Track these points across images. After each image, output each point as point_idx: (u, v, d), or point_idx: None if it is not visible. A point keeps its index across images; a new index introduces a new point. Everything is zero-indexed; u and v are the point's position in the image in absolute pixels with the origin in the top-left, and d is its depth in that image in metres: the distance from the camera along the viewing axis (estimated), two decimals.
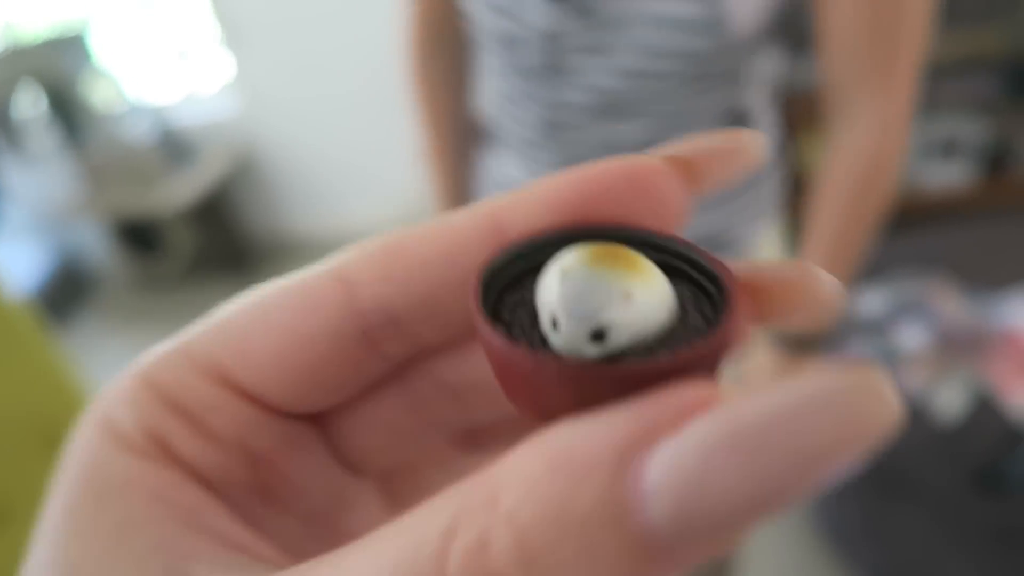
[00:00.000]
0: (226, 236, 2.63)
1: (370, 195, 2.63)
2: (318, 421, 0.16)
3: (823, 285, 0.13)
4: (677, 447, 0.08)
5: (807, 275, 0.13)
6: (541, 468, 0.09)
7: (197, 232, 2.57)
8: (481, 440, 0.19)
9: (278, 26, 2.37)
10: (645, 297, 0.11)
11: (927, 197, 2.03)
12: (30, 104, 2.51)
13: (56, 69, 2.44)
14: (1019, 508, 0.96)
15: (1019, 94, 1.96)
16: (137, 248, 2.66)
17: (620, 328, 0.11)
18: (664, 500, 0.08)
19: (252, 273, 2.67)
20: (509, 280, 0.13)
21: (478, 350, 0.15)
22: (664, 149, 0.14)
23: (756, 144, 0.14)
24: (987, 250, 1.41)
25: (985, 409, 1.08)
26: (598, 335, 0.11)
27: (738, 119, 0.72)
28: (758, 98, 0.74)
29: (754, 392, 0.09)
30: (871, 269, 1.40)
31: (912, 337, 1.20)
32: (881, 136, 0.67)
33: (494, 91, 0.75)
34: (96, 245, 2.75)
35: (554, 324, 0.11)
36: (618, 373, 0.10)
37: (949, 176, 2.01)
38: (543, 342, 0.11)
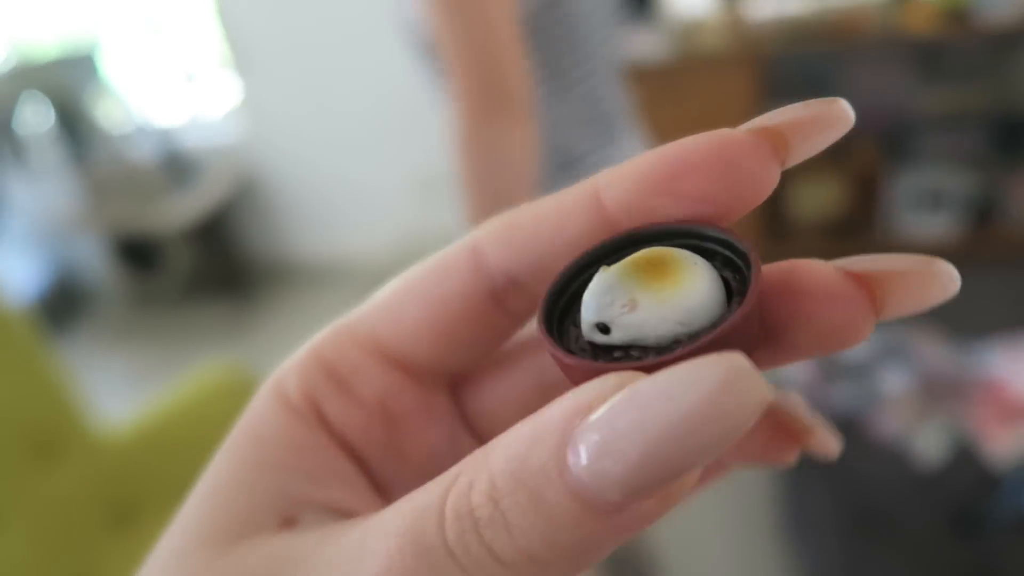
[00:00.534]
0: (225, 257, 2.65)
1: (371, 222, 2.66)
2: (454, 391, 0.19)
3: (942, 273, 0.13)
4: (596, 415, 0.11)
5: (926, 264, 0.13)
6: (520, 432, 0.12)
7: (196, 252, 2.59)
8: None
9: (286, 52, 2.41)
10: (654, 305, 0.13)
11: (913, 247, 2.06)
12: (37, 119, 2.54)
13: (64, 86, 2.47)
14: (995, 550, 0.98)
15: (1005, 149, 2.00)
16: (136, 265, 2.67)
17: (621, 327, 0.13)
18: (588, 461, 0.10)
19: (249, 295, 2.68)
20: (580, 280, 0.15)
21: None
22: (755, 121, 0.14)
23: (844, 112, 0.14)
24: (970, 300, 1.44)
25: (964, 454, 1.11)
26: (603, 329, 0.13)
27: None
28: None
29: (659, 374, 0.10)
30: None
31: (895, 382, 1.23)
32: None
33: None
34: (95, 260, 2.76)
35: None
36: (591, 367, 0.13)
37: (935, 227, 2.05)
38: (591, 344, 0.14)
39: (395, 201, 2.59)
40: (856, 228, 2.13)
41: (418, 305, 0.17)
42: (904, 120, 2.00)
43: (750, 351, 0.12)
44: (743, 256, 0.14)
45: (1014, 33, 1.81)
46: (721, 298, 0.13)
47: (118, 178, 2.49)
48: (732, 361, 0.10)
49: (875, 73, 1.98)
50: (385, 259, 2.42)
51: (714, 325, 0.13)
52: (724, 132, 0.13)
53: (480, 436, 0.19)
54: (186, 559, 0.15)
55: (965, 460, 1.10)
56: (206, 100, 2.65)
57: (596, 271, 0.14)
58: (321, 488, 0.16)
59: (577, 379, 0.12)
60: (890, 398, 1.21)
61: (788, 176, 0.16)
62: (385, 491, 0.18)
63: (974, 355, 1.27)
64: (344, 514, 0.16)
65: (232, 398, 1.16)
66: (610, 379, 0.11)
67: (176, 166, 2.51)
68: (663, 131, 1.76)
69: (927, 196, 2.02)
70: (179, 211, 2.40)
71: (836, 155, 2.04)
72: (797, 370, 1.32)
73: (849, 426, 1.19)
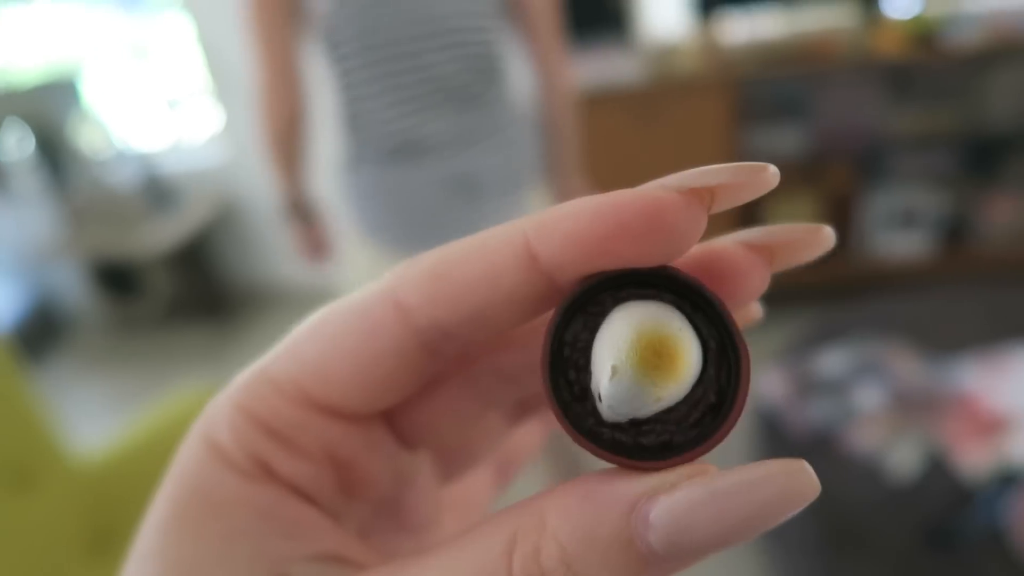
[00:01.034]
0: (204, 283, 2.64)
1: (350, 248, 2.66)
2: (385, 415, 0.19)
3: (825, 236, 0.17)
4: (673, 498, 0.12)
5: (813, 231, 0.16)
6: (576, 501, 0.13)
7: (176, 277, 2.58)
8: (531, 408, 0.22)
9: None
10: (673, 395, 0.14)
11: (886, 265, 2.10)
12: (16, 145, 2.54)
13: (45, 112, 2.47)
14: (968, 564, 0.99)
15: (975, 169, 2.04)
16: (115, 291, 2.66)
17: (647, 418, 0.14)
18: (660, 532, 0.12)
19: (229, 320, 2.67)
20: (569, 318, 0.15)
21: (528, 341, 0.19)
22: (684, 177, 0.14)
23: (771, 179, 0.14)
24: (942, 317, 1.46)
25: (938, 468, 1.12)
26: (633, 424, 0.14)
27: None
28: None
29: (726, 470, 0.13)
30: (832, 332, 1.45)
31: (869, 397, 1.25)
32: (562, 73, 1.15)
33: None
34: (74, 286, 2.75)
35: (599, 397, 0.14)
36: (623, 463, 0.14)
37: (908, 245, 2.08)
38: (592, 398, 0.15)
39: None
40: (831, 248, 2.15)
41: (346, 363, 0.16)
42: (876, 141, 2.03)
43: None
44: (700, 295, 0.15)
45: (981, 56, 1.86)
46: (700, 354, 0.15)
47: (98, 203, 2.48)
48: (795, 466, 0.12)
49: (847, 95, 2.02)
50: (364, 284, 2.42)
51: (720, 404, 0.15)
52: (656, 193, 0.13)
53: (410, 443, 0.19)
54: None
55: (939, 474, 1.12)
56: (187, 126, 2.66)
57: (578, 321, 0.15)
58: (300, 541, 0.16)
59: (605, 457, 0.14)
60: (864, 414, 1.22)
61: (763, 197, 0.17)
62: (341, 526, 0.18)
63: (947, 370, 1.29)
64: (332, 559, 0.16)
65: None
66: (683, 470, 0.13)
67: (156, 191, 2.51)
68: (639, 153, 1.78)
69: (900, 215, 2.06)
70: (159, 236, 2.39)
71: (811, 176, 2.08)
72: (773, 387, 1.33)
73: (824, 442, 1.20)
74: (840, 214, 2.11)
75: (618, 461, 0.14)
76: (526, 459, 0.25)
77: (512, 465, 0.25)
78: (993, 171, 2.03)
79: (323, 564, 0.16)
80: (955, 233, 2.09)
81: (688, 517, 0.12)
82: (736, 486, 0.12)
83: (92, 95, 2.60)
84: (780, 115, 2.08)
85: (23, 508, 1.00)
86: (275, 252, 2.74)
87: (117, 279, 2.64)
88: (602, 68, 1.98)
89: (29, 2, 2.52)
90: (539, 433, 0.25)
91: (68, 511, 1.05)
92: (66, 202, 2.51)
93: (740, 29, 1.96)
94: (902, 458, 1.14)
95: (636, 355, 0.14)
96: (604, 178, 2.07)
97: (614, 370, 0.14)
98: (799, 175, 2.05)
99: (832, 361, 1.34)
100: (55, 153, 2.51)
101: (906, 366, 1.30)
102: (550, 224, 0.14)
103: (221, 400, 0.17)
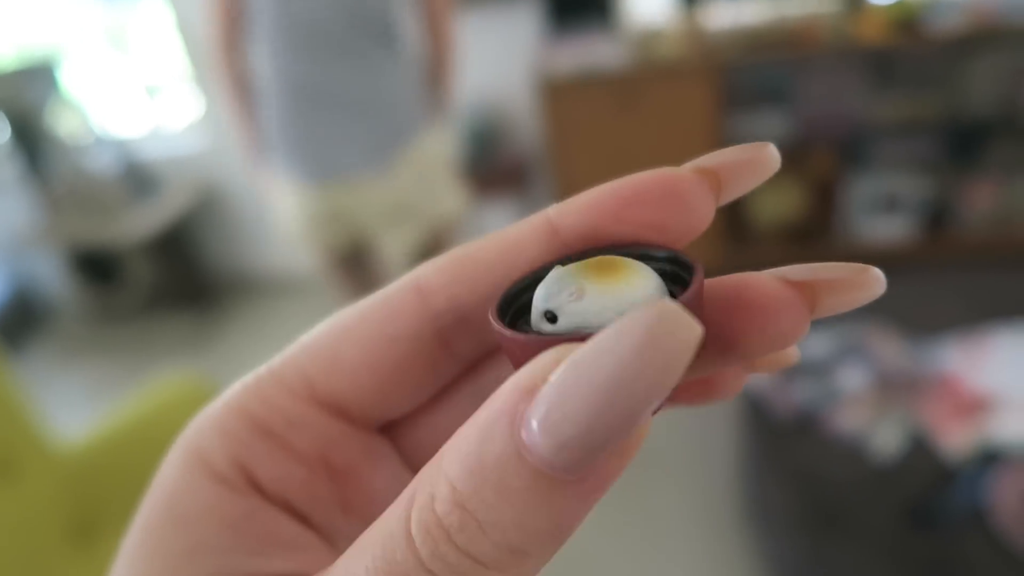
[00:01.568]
0: (185, 270, 2.62)
1: None
2: (392, 435, 0.18)
3: (869, 280, 0.14)
4: (543, 393, 0.11)
5: (860, 271, 0.14)
6: (468, 431, 0.11)
7: (156, 265, 2.55)
8: None
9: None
10: (600, 295, 0.13)
11: (869, 249, 2.11)
12: None
13: (23, 98, 2.43)
14: (950, 542, 1.00)
15: (957, 155, 2.06)
16: (95, 279, 2.63)
17: (567, 315, 0.13)
18: (543, 434, 0.10)
19: (209, 308, 2.65)
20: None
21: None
22: (696, 161, 0.15)
23: (773, 156, 0.16)
24: (924, 300, 1.48)
25: (920, 448, 1.13)
26: (550, 318, 0.14)
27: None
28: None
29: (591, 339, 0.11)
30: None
31: (853, 379, 1.25)
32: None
33: None
34: (53, 274, 2.71)
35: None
36: (537, 340, 0.13)
37: (891, 230, 2.10)
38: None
39: None
40: (815, 232, 2.17)
41: (358, 348, 0.16)
42: (859, 127, 2.04)
43: None
44: (689, 269, 0.14)
45: (963, 41, 1.87)
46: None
47: (77, 191, 2.45)
48: (658, 306, 0.10)
49: (830, 81, 2.03)
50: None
51: None
52: (670, 169, 0.15)
53: (418, 465, 0.18)
54: None
55: (921, 454, 1.13)
56: (167, 112, 2.63)
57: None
58: (266, 560, 0.15)
59: (520, 360, 0.13)
60: (848, 395, 1.23)
61: None
62: (335, 546, 0.17)
63: (929, 352, 1.30)
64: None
65: (193, 409, 1.13)
66: (548, 355, 0.11)
67: (136, 178, 2.48)
68: (622, 137, 1.78)
69: (882, 201, 2.07)
70: (139, 223, 2.37)
71: (795, 162, 2.09)
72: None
73: (808, 423, 1.21)
74: (823, 199, 2.13)
75: (499, 331, 0.13)
76: None
77: None
78: (974, 157, 2.05)
79: None
80: (937, 218, 2.11)
81: (563, 405, 0.10)
82: (597, 345, 0.10)
83: (71, 81, 2.56)
84: (763, 101, 2.08)
85: (4, 497, 0.99)
86: (256, 239, 2.72)
87: (97, 267, 2.61)
88: (586, 53, 1.98)
89: None
90: None
91: (49, 500, 1.04)
92: (45, 189, 2.47)
93: (724, 15, 1.96)
94: (885, 439, 1.15)
95: (581, 262, 0.14)
96: (588, 161, 2.07)
97: (557, 267, 0.14)
98: (783, 161, 2.05)
99: (816, 343, 1.35)
100: (33, 140, 2.47)
101: (889, 348, 1.31)
102: (572, 200, 0.15)
103: (214, 404, 0.16)
